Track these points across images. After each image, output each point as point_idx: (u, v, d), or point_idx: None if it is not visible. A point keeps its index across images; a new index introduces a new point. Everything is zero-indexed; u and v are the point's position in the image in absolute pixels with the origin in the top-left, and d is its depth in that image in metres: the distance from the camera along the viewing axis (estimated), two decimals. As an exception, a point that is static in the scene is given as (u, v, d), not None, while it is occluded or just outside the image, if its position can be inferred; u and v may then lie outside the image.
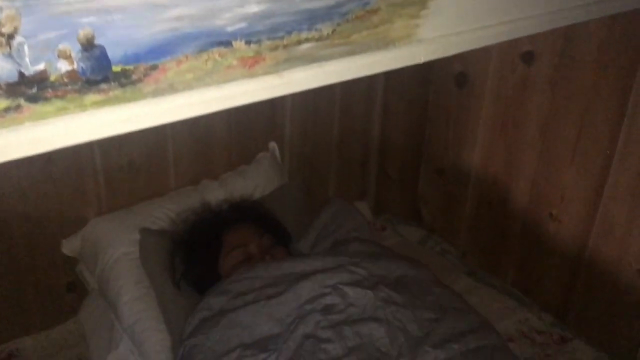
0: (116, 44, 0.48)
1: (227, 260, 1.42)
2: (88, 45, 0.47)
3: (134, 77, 0.50)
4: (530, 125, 1.66)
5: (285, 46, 0.58)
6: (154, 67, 0.51)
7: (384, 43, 0.66)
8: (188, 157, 1.64)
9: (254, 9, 0.54)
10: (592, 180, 1.55)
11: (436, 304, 1.26)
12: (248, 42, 0.56)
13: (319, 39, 0.60)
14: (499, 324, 1.61)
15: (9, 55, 0.44)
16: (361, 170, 2.04)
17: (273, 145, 1.80)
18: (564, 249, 1.66)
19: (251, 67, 0.57)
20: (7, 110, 0.45)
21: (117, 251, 1.47)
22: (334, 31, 0.61)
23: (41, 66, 0.46)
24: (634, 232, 1.49)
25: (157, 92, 0.52)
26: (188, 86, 0.53)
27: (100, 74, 0.48)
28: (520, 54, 1.62)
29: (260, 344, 1.18)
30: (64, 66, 0.47)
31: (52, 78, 0.47)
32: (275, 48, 0.58)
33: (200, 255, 1.44)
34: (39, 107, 0.47)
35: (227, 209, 1.56)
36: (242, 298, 1.27)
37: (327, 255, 1.35)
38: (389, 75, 1.91)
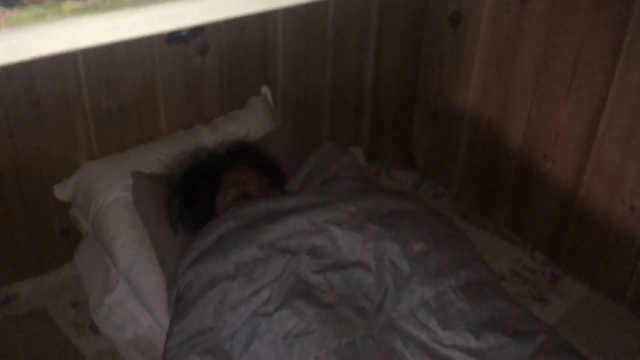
0: (93, -53, 0.46)
1: (224, 198, 1.41)
2: (63, -52, 0.45)
3: (113, -16, 0.48)
4: (525, 65, 1.64)
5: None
6: (134, -26, 0.49)
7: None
8: (179, 101, 1.62)
9: None
10: (587, 119, 1.54)
11: (429, 234, 1.26)
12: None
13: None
14: (492, 265, 1.62)
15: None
16: (354, 115, 2.02)
17: (265, 89, 1.78)
18: (557, 188, 1.66)
19: (236, -23, 0.55)
20: (-19, 15, 0.44)
21: (110, 196, 1.46)
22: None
23: (15, -31, 0.44)
24: (628, 169, 1.49)
25: (138, 1, 0.50)
26: (170, -4, 0.52)
27: (77, -21, 0.47)
28: (515, -9, 1.59)
29: (243, 270, 1.17)
30: (39, -30, 0.45)
31: (27, -18, 0.45)
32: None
33: (198, 196, 1.43)
34: (15, 13, 0.45)
35: (226, 151, 1.55)
36: (229, 234, 1.27)
37: (316, 192, 1.35)
38: (382, 18, 1.88)
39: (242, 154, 1.54)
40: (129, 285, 1.40)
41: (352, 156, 1.67)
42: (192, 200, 1.43)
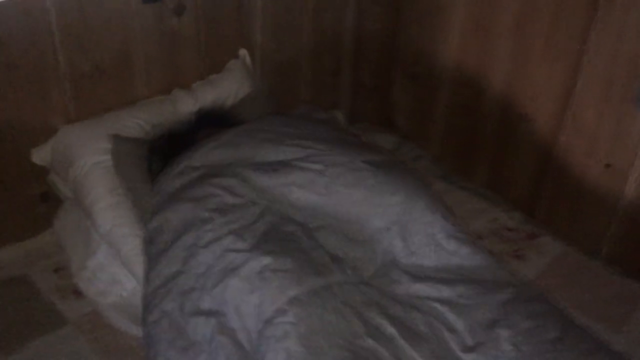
0: None
1: None
2: None
3: None
4: (504, 25, 1.64)
5: None
6: None
7: None
8: (156, 63, 1.59)
9: None
10: (564, 78, 1.55)
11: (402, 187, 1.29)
12: None
13: None
14: (471, 224, 1.66)
15: None
16: (334, 79, 2.01)
17: (243, 52, 1.76)
18: (535, 148, 1.68)
19: None
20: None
21: (89, 160, 1.45)
22: None
23: None
24: (603, 128, 1.51)
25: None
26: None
27: None
28: (494, -51, 1.58)
29: (217, 214, 1.20)
30: None
31: None
32: None
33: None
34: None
35: (199, 116, 1.58)
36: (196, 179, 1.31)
37: (288, 141, 1.37)
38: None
39: (216, 119, 1.57)
40: (111, 247, 1.40)
41: (332, 114, 1.69)
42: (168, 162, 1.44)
